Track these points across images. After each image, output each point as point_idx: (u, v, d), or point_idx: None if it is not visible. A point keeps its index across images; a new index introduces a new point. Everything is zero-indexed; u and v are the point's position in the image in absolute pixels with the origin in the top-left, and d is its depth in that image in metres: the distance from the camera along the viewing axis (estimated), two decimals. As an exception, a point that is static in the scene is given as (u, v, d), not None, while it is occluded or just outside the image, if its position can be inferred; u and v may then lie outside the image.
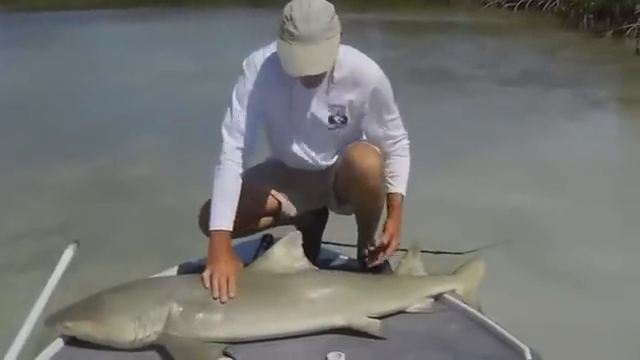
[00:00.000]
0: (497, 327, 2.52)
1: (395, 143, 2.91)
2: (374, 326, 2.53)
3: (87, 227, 4.44)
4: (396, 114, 2.88)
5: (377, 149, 2.82)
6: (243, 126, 2.74)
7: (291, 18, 2.48)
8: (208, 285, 2.51)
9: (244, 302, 2.49)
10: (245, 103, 2.75)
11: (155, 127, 7.19)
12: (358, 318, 2.54)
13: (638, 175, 5.57)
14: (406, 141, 2.94)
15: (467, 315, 2.65)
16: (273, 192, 2.97)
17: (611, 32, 12.52)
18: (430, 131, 5.76)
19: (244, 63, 2.79)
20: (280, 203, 2.98)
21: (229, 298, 2.48)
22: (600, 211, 4.74)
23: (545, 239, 4.31)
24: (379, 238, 2.84)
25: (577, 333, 2.78)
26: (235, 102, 2.76)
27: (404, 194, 2.91)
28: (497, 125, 6.93)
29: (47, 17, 16.64)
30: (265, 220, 2.99)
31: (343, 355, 2.36)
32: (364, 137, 2.94)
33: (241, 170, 2.73)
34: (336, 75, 2.72)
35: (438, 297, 2.75)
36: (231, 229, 2.66)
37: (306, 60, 2.50)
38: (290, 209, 3.01)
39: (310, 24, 2.47)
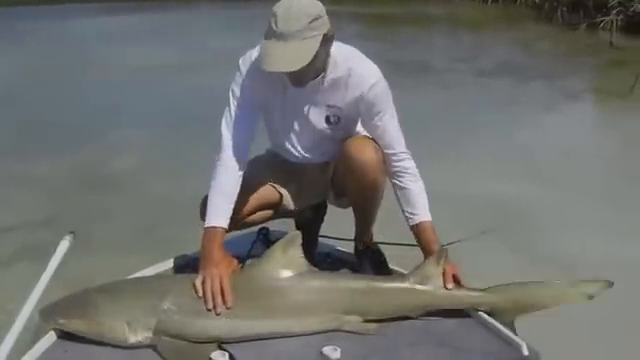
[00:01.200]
0: (494, 323, 2.52)
1: (398, 161, 2.82)
2: (370, 329, 2.53)
3: (75, 220, 4.37)
4: (395, 124, 2.82)
5: (376, 143, 2.80)
6: (241, 122, 2.76)
7: (274, 15, 2.51)
8: (201, 294, 2.49)
9: (238, 306, 2.48)
10: (242, 99, 2.77)
11: (138, 119, 7.10)
12: (353, 323, 2.54)
13: (615, 163, 5.71)
14: (412, 162, 2.84)
15: (464, 311, 2.64)
16: (274, 184, 2.98)
17: (585, 25, 12.61)
18: (412, 123, 5.76)
19: (240, 60, 2.81)
20: (281, 195, 2.98)
21: (225, 308, 2.46)
22: (582, 198, 4.83)
23: (530, 226, 4.37)
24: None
25: (564, 318, 2.80)
26: (232, 99, 2.78)
27: (430, 220, 2.80)
28: (477, 116, 6.97)
29: (19, 12, 16.43)
30: (265, 213, 2.99)
31: (339, 349, 2.37)
32: (364, 132, 2.93)
33: (240, 167, 2.73)
34: (331, 75, 2.73)
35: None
36: (226, 227, 2.65)
37: (278, 57, 2.50)
38: (290, 202, 3.01)
39: (289, 23, 2.48)
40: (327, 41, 2.62)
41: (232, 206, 2.68)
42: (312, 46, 2.53)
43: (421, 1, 17.27)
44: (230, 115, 2.77)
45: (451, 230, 3.15)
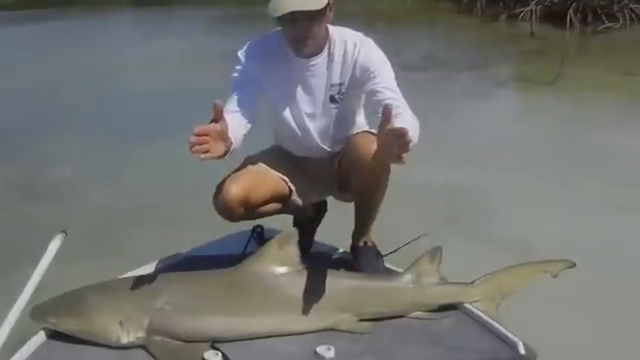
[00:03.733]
0: (490, 321, 2.52)
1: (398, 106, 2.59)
2: (365, 329, 2.52)
3: (15, 232, 4.32)
4: (391, 82, 2.75)
5: None
6: (241, 104, 2.72)
7: None
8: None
9: (231, 304, 2.48)
10: (241, 84, 2.79)
11: (68, 128, 6.98)
12: (348, 322, 2.53)
13: (550, 147, 5.91)
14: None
15: (460, 309, 2.64)
16: (284, 177, 2.96)
17: (505, 16, 12.84)
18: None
19: (239, 52, 2.84)
20: (291, 190, 2.97)
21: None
22: (524, 181, 5.01)
23: (483, 212, 4.47)
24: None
25: (527, 297, 2.84)
26: (232, 86, 2.80)
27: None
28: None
29: None
30: (276, 205, 2.96)
31: (333, 348, 2.35)
32: (367, 127, 2.95)
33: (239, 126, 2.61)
34: (331, 53, 2.78)
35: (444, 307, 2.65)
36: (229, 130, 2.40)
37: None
38: (298, 197, 3.00)
39: None
40: (330, 9, 2.67)
41: (235, 131, 2.50)
42: None
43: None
44: (230, 101, 2.73)
45: (409, 220, 3.15)
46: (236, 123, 2.60)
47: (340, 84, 2.82)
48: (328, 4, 2.65)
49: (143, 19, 15.11)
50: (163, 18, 15.29)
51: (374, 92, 2.75)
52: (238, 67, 2.84)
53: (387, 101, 2.58)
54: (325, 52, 2.80)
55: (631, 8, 11.90)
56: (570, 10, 11.87)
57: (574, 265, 2.69)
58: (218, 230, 3.18)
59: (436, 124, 6.38)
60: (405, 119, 2.48)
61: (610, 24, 11.70)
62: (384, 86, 2.74)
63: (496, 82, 8.39)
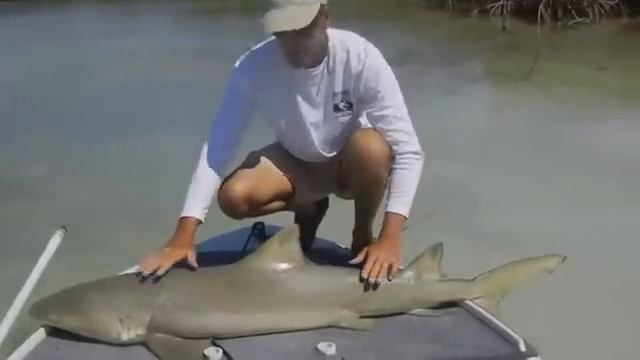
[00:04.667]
0: (491, 318, 2.52)
1: (402, 154, 2.78)
2: (365, 325, 2.51)
3: None
4: (398, 107, 2.78)
5: (383, 138, 2.76)
6: (230, 120, 2.77)
7: None
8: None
9: (232, 301, 2.47)
10: (233, 98, 2.79)
11: (41, 124, 6.95)
12: (349, 319, 2.52)
13: (526, 141, 6.04)
14: (416, 155, 2.80)
15: (461, 306, 2.64)
16: (287, 175, 2.95)
17: (476, 11, 12.97)
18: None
19: (235, 64, 2.82)
20: (294, 188, 2.96)
21: (155, 275, 2.48)
22: (503, 175, 5.09)
23: (464, 205, 4.50)
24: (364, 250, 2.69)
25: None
26: (224, 99, 2.80)
27: (406, 216, 2.75)
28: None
29: None
30: (278, 203, 2.96)
31: (334, 345, 2.34)
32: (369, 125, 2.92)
33: (221, 166, 2.76)
34: (332, 61, 2.73)
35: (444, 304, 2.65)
36: (200, 219, 2.67)
37: (279, 18, 2.49)
38: (302, 195, 2.99)
39: None
40: (324, 15, 2.63)
41: (206, 204, 2.70)
42: (312, 9, 2.53)
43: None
44: (220, 114, 2.80)
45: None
46: (211, 185, 2.73)
47: (344, 92, 2.77)
48: (320, 13, 2.57)
49: (112, 12, 14.93)
50: (132, 11, 15.15)
51: (384, 118, 2.76)
52: (231, 84, 2.81)
53: (395, 135, 2.74)
54: (325, 60, 2.73)
55: (600, 3, 12.09)
56: (541, 5, 12.04)
57: (565, 259, 2.71)
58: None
59: (412, 119, 6.41)
60: (405, 188, 2.73)
61: (580, 19, 11.88)
62: (394, 115, 2.78)
63: (471, 77, 8.43)
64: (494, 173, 5.11)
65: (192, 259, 2.60)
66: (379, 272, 2.58)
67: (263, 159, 2.95)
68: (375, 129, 2.80)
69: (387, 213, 2.74)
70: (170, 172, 4.83)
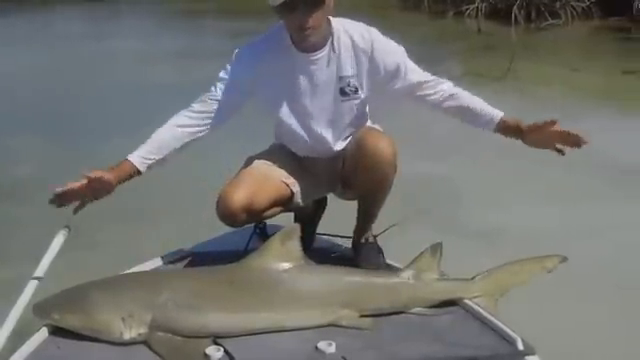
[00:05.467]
0: (490, 317, 2.54)
1: (437, 84, 2.87)
2: (365, 324, 2.53)
3: None
4: (415, 66, 2.87)
5: (390, 139, 2.79)
6: (218, 99, 2.77)
7: None
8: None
9: (233, 300, 2.48)
10: (227, 82, 2.78)
11: (27, 125, 6.93)
12: (349, 317, 2.54)
13: (503, 139, 5.98)
14: (447, 83, 2.91)
15: (460, 305, 2.66)
16: (285, 181, 2.91)
17: (452, 13, 13.10)
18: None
19: (236, 51, 2.83)
20: (293, 193, 2.93)
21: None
22: (486, 173, 5.20)
23: (449, 203, 4.58)
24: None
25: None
26: (213, 86, 2.80)
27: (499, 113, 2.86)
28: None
29: None
30: (277, 209, 2.94)
31: (334, 344, 2.36)
32: (376, 126, 2.98)
33: (186, 136, 2.77)
34: (336, 44, 2.75)
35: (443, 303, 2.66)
36: (139, 167, 2.71)
37: None
38: (300, 198, 2.96)
39: None
40: (330, 1, 2.66)
41: (156, 159, 2.73)
42: None
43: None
44: (211, 91, 2.79)
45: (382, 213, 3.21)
46: (169, 137, 2.74)
47: (352, 76, 2.78)
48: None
49: (94, 15, 14.83)
50: (114, 14, 15.09)
51: (418, 83, 2.85)
52: (230, 67, 2.81)
53: (441, 87, 2.87)
54: (329, 44, 2.75)
55: (572, 5, 12.27)
56: (514, 7, 12.16)
57: (565, 260, 2.75)
58: (179, 227, 3.14)
59: (394, 118, 6.53)
60: (482, 102, 2.90)
61: (553, 21, 12.05)
62: (421, 73, 2.87)
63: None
64: (476, 172, 5.22)
65: (107, 177, 2.65)
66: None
67: (261, 165, 2.91)
68: (379, 129, 2.89)
69: (504, 120, 2.89)
70: (157, 171, 4.90)
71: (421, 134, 5.98)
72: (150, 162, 2.73)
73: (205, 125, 2.79)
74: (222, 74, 2.81)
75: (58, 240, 2.70)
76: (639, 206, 4.68)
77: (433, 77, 2.89)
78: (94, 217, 4.28)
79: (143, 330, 2.38)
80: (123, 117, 6.82)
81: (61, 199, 2.68)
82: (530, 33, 11.67)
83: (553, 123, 2.77)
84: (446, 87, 2.90)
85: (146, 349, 2.37)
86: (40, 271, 2.56)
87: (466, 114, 2.92)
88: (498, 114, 2.87)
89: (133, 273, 2.75)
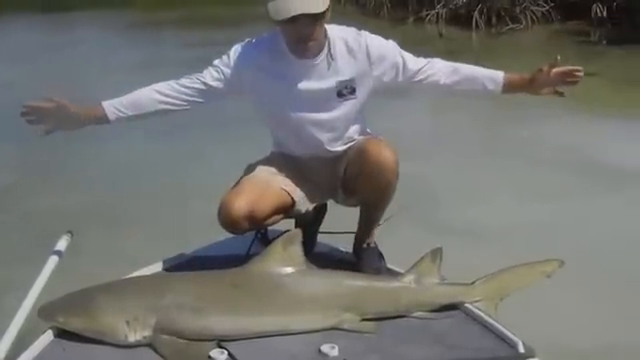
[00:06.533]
0: (491, 320, 2.57)
1: (433, 64, 2.94)
2: (367, 328, 2.55)
3: None
4: (414, 60, 2.93)
5: (393, 147, 2.85)
6: (205, 82, 2.83)
7: None
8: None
9: (236, 303, 2.51)
10: (218, 70, 2.83)
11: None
12: (351, 321, 2.56)
13: (474, 140, 6.29)
14: (440, 61, 2.96)
15: (461, 309, 2.68)
16: (286, 189, 2.92)
17: (412, 19, 13.18)
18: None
19: (233, 47, 2.87)
20: (294, 201, 2.94)
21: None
22: (458, 172, 5.30)
23: (431, 201, 4.59)
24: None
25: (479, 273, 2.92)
26: (211, 65, 2.86)
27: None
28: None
29: None
30: (278, 216, 2.95)
31: (336, 347, 2.38)
32: (367, 129, 3.02)
33: (167, 100, 2.83)
34: (333, 50, 2.80)
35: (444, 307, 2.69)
36: (108, 116, 2.79)
37: (296, 3, 2.59)
38: (302, 206, 2.97)
39: None
40: (328, 10, 2.71)
41: (130, 111, 2.82)
42: None
43: (248, 3, 17.36)
44: (200, 74, 2.85)
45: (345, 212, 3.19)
46: (145, 99, 2.82)
47: (351, 79, 2.83)
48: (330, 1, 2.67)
49: (48, 26, 14.65)
50: (68, 25, 14.92)
51: (420, 70, 2.93)
52: (223, 58, 2.86)
53: (441, 67, 2.94)
54: (325, 50, 2.80)
55: (532, 10, 12.41)
56: (475, 12, 12.26)
57: (562, 264, 2.76)
58: (158, 230, 3.12)
59: (375, 120, 6.54)
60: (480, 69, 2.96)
61: (514, 25, 12.16)
62: (418, 60, 2.94)
63: None
64: (447, 171, 5.32)
65: (75, 109, 2.74)
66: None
67: (262, 172, 2.93)
68: (381, 138, 2.93)
69: (506, 77, 2.93)
70: (138, 177, 4.85)
71: (389, 137, 5.97)
72: (120, 115, 2.81)
73: (183, 101, 2.85)
74: (216, 62, 2.86)
75: (61, 245, 2.74)
76: (615, 200, 4.80)
77: (426, 59, 2.96)
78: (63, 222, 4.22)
79: (147, 333, 2.40)
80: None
81: (30, 114, 2.73)
82: (491, 38, 11.77)
83: (553, 65, 2.88)
84: (441, 64, 2.97)
85: (151, 352, 2.38)
86: (45, 274, 2.59)
87: (472, 83, 2.98)
88: (499, 73, 2.96)
89: (137, 276, 2.78)
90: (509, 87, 2.95)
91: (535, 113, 7.04)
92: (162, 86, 2.84)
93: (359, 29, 2.90)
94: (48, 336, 2.42)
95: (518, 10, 12.40)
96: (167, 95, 2.83)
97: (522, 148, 5.90)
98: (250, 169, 2.98)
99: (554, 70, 2.87)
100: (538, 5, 12.46)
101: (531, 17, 12.36)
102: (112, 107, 2.79)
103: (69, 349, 2.38)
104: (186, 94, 2.84)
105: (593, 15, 11.98)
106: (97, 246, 4.11)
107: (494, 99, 7.19)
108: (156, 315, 2.40)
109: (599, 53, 10.32)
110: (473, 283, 2.72)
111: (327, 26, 2.81)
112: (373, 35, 2.89)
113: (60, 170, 5.62)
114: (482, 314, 2.61)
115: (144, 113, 2.84)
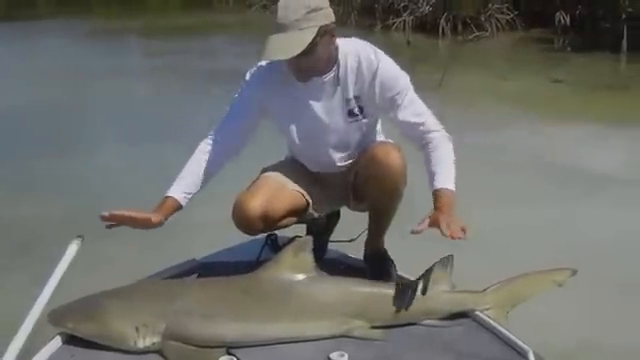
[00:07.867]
0: (500, 328, 2.55)
1: (430, 132, 2.81)
2: (377, 335, 2.53)
3: None
4: (415, 100, 2.83)
5: (401, 150, 2.82)
6: (227, 136, 2.82)
7: (277, 6, 2.63)
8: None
9: (246, 310, 2.49)
10: (237, 110, 2.84)
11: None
12: (361, 328, 2.54)
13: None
14: (445, 133, 2.84)
15: (471, 317, 2.66)
16: (300, 191, 2.93)
17: (379, 27, 13.29)
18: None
19: (247, 72, 2.87)
20: (308, 203, 2.95)
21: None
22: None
23: (421, 204, 4.58)
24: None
25: (474, 279, 2.92)
26: (229, 108, 2.86)
27: (453, 190, 2.71)
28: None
29: None
30: (292, 218, 2.94)
31: (346, 355, 2.37)
32: (382, 136, 3.01)
33: (213, 160, 2.79)
34: (343, 68, 2.77)
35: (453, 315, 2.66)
36: (181, 203, 2.72)
37: (274, 46, 2.59)
38: (315, 209, 2.98)
39: (287, 13, 2.59)
40: (328, 33, 2.67)
41: (192, 190, 2.75)
42: (307, 36, 2.59)
43: (211, 11, 17.41)
44: (225, 117, 2.86)
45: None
46: (200, 171, 2.77)
47: (357, 97, 2.81)
48: (320, 35, 2.61)
49: (8, 33, 14.47)
50: (25, 34, 14.76)
51: (407, 123, 2.81)
52: (241, 90, 2.87)
53: (426, 136, 2.80)
54: (335, 67, 2.77)
55: (497, 18, 12.62)
56: (441, 20, 12.40)
57: (575, 273, 2.74)
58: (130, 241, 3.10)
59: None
60: (445, 165, 2.76)
61: (479, 33, 12.33)
62: (415, 112, 2.81)
63: None
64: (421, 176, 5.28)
65: (155, 219, 2.65)
66: (456, 230, 2.51)
67: (276, 175, 2.94)
68: (390, 142, 2.93)
69: (438, 190, 2.70)
70: (104, 190, 4.81)
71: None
72: (190, 196, 2.75)
73: (229, 151, 2.86)
74: (235, 96, 2.88)
75: (71, 250, 2.70)
76: (583, 202, 4.88)
77: (424, 117, 2.83)
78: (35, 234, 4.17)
79: (157, 339, 2.39)
80: (56, 137, 6.70)
81: (109, 220, 2.67)
82: (458, 45, 11.89)
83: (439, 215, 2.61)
84: (436, 136, 2.83)
85: (160, 358, 2.37)
86: (54, 280, 2.55)
87: (429, 166, 2.81)
88: (438, 184, 2.73)
89: (146, 283, 2.77)
90: (434, 198, 2.78)
91: (500, 119, 7.15)
92: (205, 152, 2.80)
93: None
94: (57, 342, 2.41)
95: (483, 18, 12.58)
96: (214, 156, 2.80)
97: (485, 154, 5.92)
98: (264, 172, 3.00)
99: (438, 218, 2.59)
100: (503, 13, 12.68)
101: (496, 25, 12.56)
102: (182, 194, 2.72)
103: (78, 355, 2.38)
104: (228, 144, 2.83)
105: (557, 23, 12.21)
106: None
107: (460, 107, 7.30)
108: (165, 321, 2.39)
109: (563, 59, 10.51)
110: (484, 291, 2.70)
111: (342, 40, 2.79)
112: (390, 61, 2.81)
113: (24, 182, 5.54)
114: (492, 322, 2.59)
115: (207, 181, 2.81)
